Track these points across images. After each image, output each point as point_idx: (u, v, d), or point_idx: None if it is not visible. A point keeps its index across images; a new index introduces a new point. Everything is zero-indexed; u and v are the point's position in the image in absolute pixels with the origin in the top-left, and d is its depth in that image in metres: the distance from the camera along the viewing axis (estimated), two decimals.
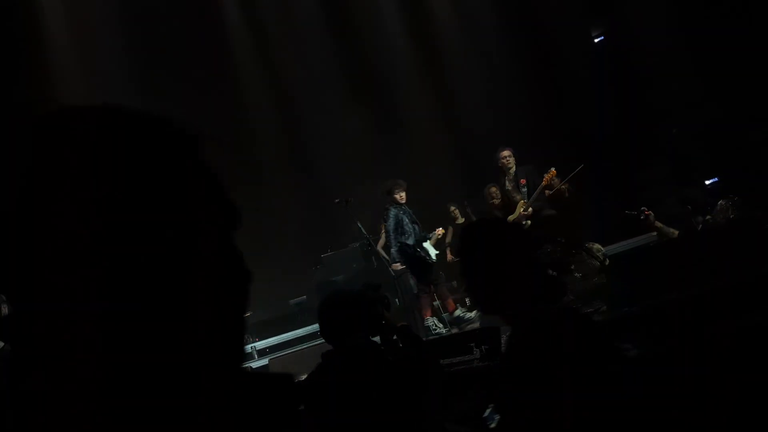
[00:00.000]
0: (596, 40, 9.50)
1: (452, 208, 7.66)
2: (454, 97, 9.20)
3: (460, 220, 7.61)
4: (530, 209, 6.04)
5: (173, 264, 0.54)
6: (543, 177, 6.00)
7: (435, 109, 9.33)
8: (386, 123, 9.31)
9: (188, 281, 0.54)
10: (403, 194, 6.35)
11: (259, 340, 7.47)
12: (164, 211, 0.54)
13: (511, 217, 6.25)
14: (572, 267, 5.15)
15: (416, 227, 6.35)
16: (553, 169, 5.89)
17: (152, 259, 0.53)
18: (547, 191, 5.93)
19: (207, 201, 0.58)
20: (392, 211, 6.31)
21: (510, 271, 1.54)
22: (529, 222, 6.06)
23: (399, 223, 6.29)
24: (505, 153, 6.36)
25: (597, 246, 4.65)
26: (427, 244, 6.47)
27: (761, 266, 3.53)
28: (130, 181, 0.53)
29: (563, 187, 6.03)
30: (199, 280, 0.55)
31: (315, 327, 7.44)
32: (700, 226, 5.46)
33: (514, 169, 6.33)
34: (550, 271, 4.98)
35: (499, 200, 6.77)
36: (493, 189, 7.06)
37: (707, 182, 7.91)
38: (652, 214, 5.38)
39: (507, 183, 6.38)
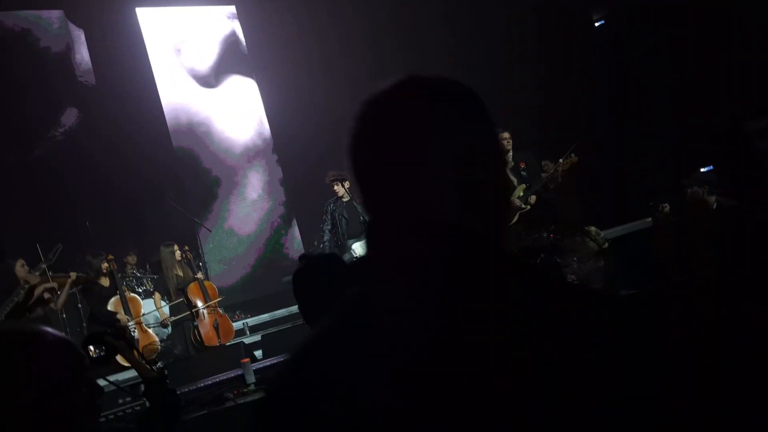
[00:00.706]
0: (597, 24, 9.39)
1: None
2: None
3: None
4: (532, 194, 5.96)
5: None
6: (544, 163, 5.89)
7: None
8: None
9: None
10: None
11: (251, 316, 7.46)
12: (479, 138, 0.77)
13: None
14: (569, 250, 5.09)
15: (344, 222, 6.13)
16: (574, 156, 5.74)
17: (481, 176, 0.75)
18: (543, 174, 5.85)
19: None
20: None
21: None
22: (529, 206, 6.01)
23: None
24: (506, 135, 6.23)
25: (595, 229, 4.57)
26: (357, 245, 6.03)
27: (758, 255, 3.49)
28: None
29: (558, 169, 5.94)
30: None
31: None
32: (715, 205, 5.44)
33: (511, 152, 6.25)
34: (543, 255, 4.95)
35: None
36: None
37: (702, 170, 7.88)
38: (668, 206, 5.37)
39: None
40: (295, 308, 7.11)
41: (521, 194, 6.06)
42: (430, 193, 0.73)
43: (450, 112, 0.76)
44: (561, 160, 5.82)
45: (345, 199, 6.12)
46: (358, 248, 5.97)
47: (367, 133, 0.77)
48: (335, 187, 6.09)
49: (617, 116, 8.08)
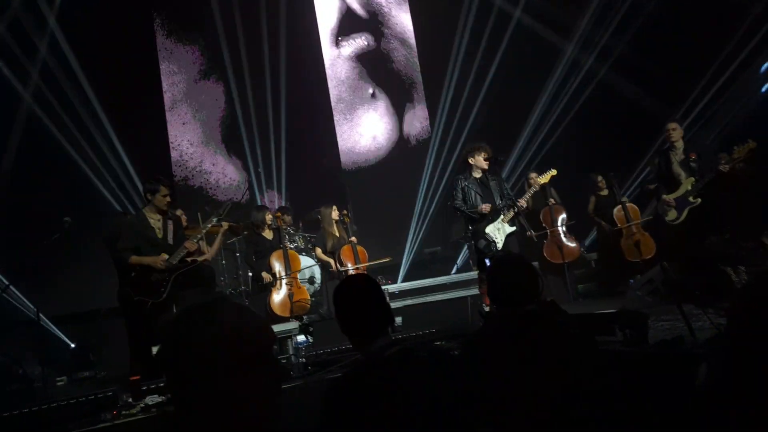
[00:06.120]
0: None
1: (599, 178, 6.95)
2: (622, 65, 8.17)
3: (604, 192, 6.91)
4: (700, 188, 5.27)
5: None
6: (721, 155, 5.14)
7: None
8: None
9: None
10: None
11: (392, 283, 7.50)
12: None
13: (673, 195, 5.49)
14: (741, 260, 4.40)
15: (479, 199, 5.25)
16: (751, 141, 4.99)
17: None
18: (721, 168, 5.10)
19: None
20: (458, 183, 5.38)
21: None
22: (699, 200, 5.31)
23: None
24: (672, 126, 5.60)
25: None
26: (491, 228, 5.26)
27: None
28: None
29: (738, 166, 5.14)
30: None
31: (443, 279, 7.28)
32: None
33: (681, 143, 5.56)
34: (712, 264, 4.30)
35: (653, 176, 6.04)
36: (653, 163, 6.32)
37: None
38: None
39: (672, 157, 5.61)
40: (435, 279, 7.12)
41: (689, 188, 5.38)
42: None
43: None
44: (736, 147, 5.06)
45: (477, 175, 5.31)
46: (491, 231, 5.23)
47: None
48: (470, 160, 5.31)
49: None
